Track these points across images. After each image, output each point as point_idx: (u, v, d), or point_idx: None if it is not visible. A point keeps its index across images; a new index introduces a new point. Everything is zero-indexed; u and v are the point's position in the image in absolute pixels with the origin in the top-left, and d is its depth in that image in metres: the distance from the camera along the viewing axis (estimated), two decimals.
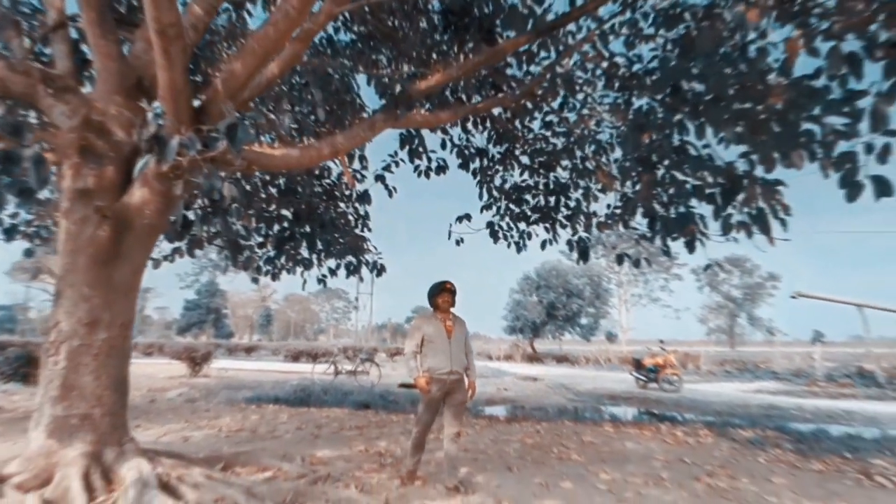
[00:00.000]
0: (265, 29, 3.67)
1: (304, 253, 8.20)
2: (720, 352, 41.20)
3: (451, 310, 4.61)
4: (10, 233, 5.69)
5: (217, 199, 3.43)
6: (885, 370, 15.54)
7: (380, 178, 7.81)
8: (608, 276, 41.61)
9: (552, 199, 8.29)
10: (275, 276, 8.60)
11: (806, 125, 4.31)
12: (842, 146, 4.13)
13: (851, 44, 3.83)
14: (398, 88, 5.78)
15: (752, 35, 4.97)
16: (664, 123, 5.32)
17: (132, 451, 3.77)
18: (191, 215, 4.37)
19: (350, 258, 8.73)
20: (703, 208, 5.44)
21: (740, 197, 4.53)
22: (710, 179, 5.16)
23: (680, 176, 5.59)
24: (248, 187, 6.45)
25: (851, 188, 3.96)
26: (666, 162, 5.72)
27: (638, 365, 14.77)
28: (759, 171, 4.56)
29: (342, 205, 8.65)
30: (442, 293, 4.55)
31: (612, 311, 43.53)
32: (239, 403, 9.18)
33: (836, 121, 4.17)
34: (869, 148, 3.89)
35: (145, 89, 4.34)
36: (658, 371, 13.94)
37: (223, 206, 3.97)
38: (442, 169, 8.23)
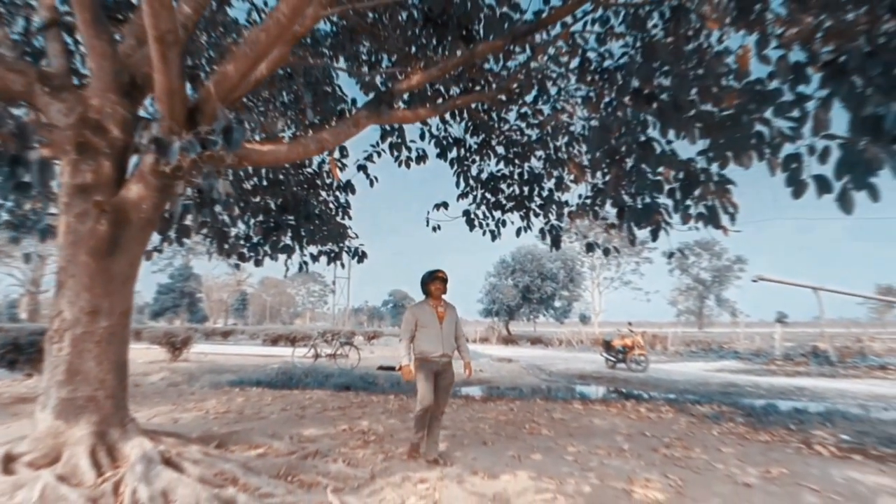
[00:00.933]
0: (257, 34, 3.87)
1: (287, 240, 8.44)
2: (688, 333, 42.51)
3: (443, 297, 4.91)
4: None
5: (215, 197, 3.64)
6: (837, 349, 16.54)
7: (362, 167, 8.08)
8: (581, 260, 42.51)
9: (526, 189, 8.62)
10: (258, 263, 8.80)
11: (757, 127, 4.72)
12: (788, 148, 4.56)
13: (798, 54, 4.23)
14: (381, 86, 6.01)
15: (711, 41, 5.39)
16: (630, 121, 5.69)
17: (134, 431, 4.03)
18: (179, 207, 4.53)
19: (332, 245, 9.00)
20: (666, 199, 5.86)
21: (697, 192, 4.96)
22: (671, 174, 5.57)
23: (645, 169, 6.00)
24: (231, 179, 6.64)
25: (797, 186, 4.38)
26: (632, 156, 6.11)
27: (607, 346, 15.40)
28: (714, 169, 5.00)
29: (324, 193, 8.89)
30: (434, 281, 4.86)
31: (586, 293, 44.58)
32: (223, 387, 9.41)
33: (784, 124, 4.59)
34: (811, 150, 4.31)
35: (137, 86, 4.52)
36: (626, 352, 14.58)
37: (214, 199, 4.19)
38: (421, 158, 8.54)
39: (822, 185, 4.29)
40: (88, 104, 4.17)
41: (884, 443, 5.77)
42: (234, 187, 6.36)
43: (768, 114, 4.66)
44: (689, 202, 5.26)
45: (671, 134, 5.23)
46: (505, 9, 5.59)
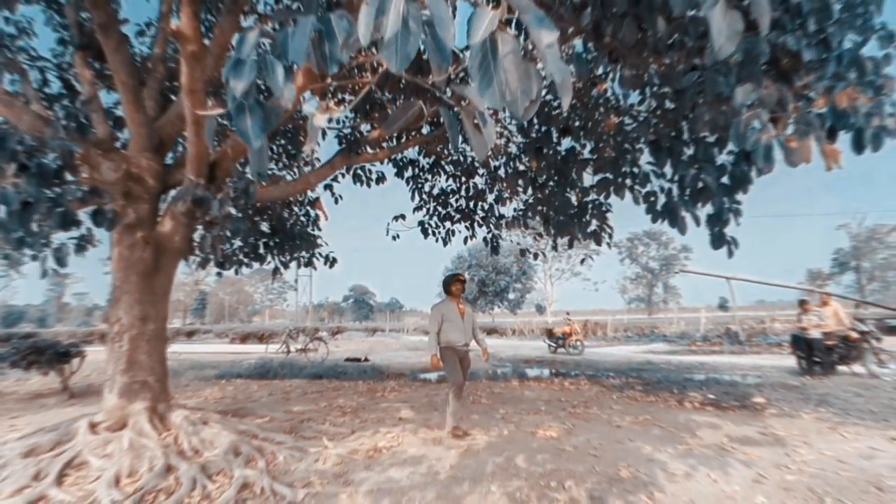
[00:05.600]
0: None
1: (261, 250, 9.84)
2: (635, 319, 45.45)
3: (461, 295, 5.92)
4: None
5: (239, 235, 5.11)
6: (745, 330, 19.06)
7: (328, 187, 9.60)
8: (539, 248, 44.80)
9: (471, 203, 10.29)
10: (237, 270, 10.16)
11: (628, 168, 6.51)
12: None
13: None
14: (350, 138, 7.53)
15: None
16: (544, 158, 7.42)
17: (175, 406, 5.48)
18: (210, 240, 5.94)
19: (303, 253, 10.44)
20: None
21: (586, 217, 6.73)
22: (573, 200, 7.35)
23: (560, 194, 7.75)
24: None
25: (654, 214, 6.16)
26: (551, 183, 7.86)
27: (549, 334, 17.36)
28: (599, 199, 6.79)
29: (296, 208, 10.32)
30: (455, 282, 5.85)
31: (539, 285, 46.98)
32: (211, 380, 10.73)
33: (647, 167, 6.36)
34: (661, 188, 6.09)
35: (163, 144, 5.91)
36: (565, 338, 16.56)
37: (233, 231, 5.57)
38: (380, 180, 10.09)
39: (672, 216, 6.10)
40: (130, 162, 5.55)
41: (736, 399, 7.73)
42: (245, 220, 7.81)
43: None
44: (584, 221, 7.04)
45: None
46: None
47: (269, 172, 8.08)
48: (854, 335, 9.64)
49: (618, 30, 3.62)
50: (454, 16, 7.08)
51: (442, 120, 8.75)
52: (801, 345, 10.30)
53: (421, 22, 1.46)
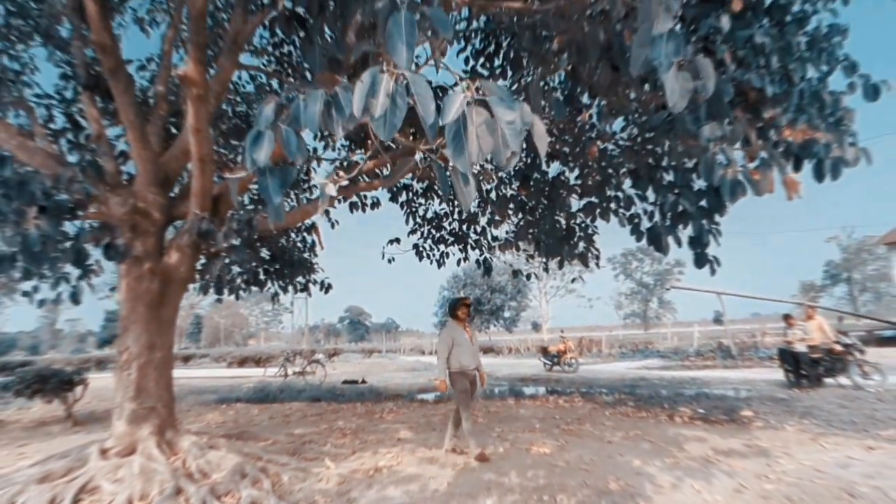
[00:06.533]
0: None
1: (261, 276, 10.08)
2: (631, 334, 45.68)
3: (468, 318, 5.96)
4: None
5: (241, 264, 5.36)
6: (737, 344, 19.33)
7: (325, 212, 9.88)
8: (532, 268, 45.10)
9: (464, 226, 10.59)
10: (237, 296, 10.38)
11: (613, 193, 6.83)
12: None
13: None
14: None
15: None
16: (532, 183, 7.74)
17: (182, 431, 5.67)
18: (217, 271, 6.19)
19: (300, 278, 10.68)
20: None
21: (573, 240, 7.04)
22: (562, 223, 7.67)
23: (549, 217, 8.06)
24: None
25: (638, 235, 6.46)
26: (540, 207, 8.18)
27: (545, 352, 17.59)
28: (586, 222, 7.10)
29: (293, 235, 10.59)
30: (462, 306, 5.91)
31: (534, 302, 47.25)
32: (211, 404, 10.88)
33: (631, 192, 6.67)
34: (644, 211, 6.39)
35: (168, 180, 6.19)
36: (560, 356, 16.78)
37: (238, 260, 5.81)
38: (375, 205, 10.38)
39: (655, 239, 6.39)
40: (137, 196, 5.81)
41: (724, 413, 7.96)
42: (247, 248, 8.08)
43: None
44: (572, 243, 7.35)
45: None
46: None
47: None
48: (838, 348, 9.93)
49: (593, 72, 3.96)
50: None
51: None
52: (788, 358, 10.58)
53: (405, 98, 1.78)
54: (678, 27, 3.90)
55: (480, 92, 1.71)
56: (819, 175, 4.31)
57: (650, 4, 1.98)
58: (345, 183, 2.28)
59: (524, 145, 6.74)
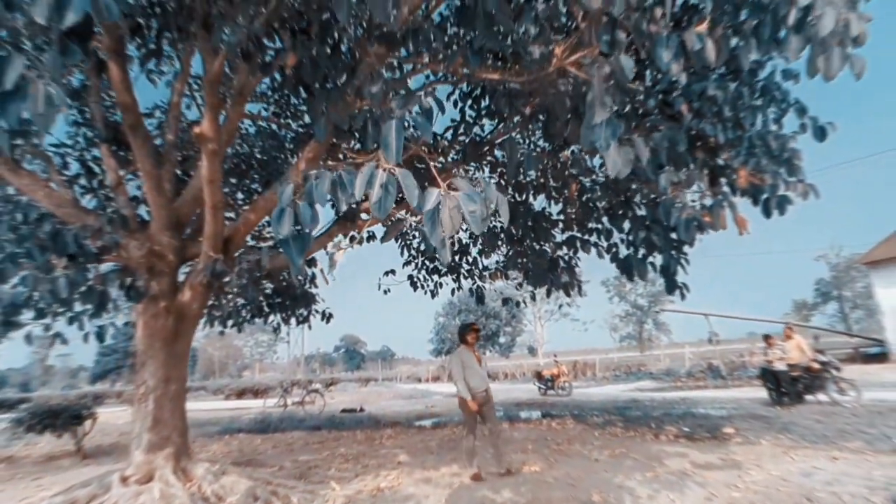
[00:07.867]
0: (271, 195, 6.17)
1: (265, 309, 10.52)
2: (626, 357, 45.96)
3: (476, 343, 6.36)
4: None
5: (248, 299, 5.83)
6: (726, 364, 19.79)
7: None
8: (521, 296, 45.62)
9: (457, 257, 11.09)
10: (240, 328, 10.80)
11: (592, 224, 7.38)
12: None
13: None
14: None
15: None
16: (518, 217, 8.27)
17: (196, 459, 6.05)
18: (229, 307, 6.63)
19: (301, 310, 11.12)
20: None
21: (558, 270, 7.56)
22: (549, 253, 8.19)
23: (536, 247, 8.60)
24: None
25: (618, 263, 6.97)
26: (527, 240, 8.71)
27: (539, 376, 17.97)
28: (568, 254, 7.63)
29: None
30: (471, 332, 6.31)
31: (529, 327, 47.57)
32: (214, 435, 11.18)
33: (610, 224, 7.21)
34: (622, 240, 6.88)
35: (181, 224, 6.69)
36: (554, 380, 17.16)
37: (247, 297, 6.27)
38: (371, 238, 10.89)
39: (628, 268, 6.92)
40: (153, 240, 6.30)
41: (707, 430, 8.39)
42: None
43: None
44: (556, 273, 7.86)
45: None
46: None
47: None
48: (815, 366, 10.42)
49: (563, 129, 4.53)
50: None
51: None
52: (769, 377, 11.05)
53: (395, 187, 2.32)
54: (637, 85, 4.53)
55: (452, 187, 2.26)
56: (766, 212, 4.88)
57: (592, 100, 2.53)
58: (349, 250, 2.88)
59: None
